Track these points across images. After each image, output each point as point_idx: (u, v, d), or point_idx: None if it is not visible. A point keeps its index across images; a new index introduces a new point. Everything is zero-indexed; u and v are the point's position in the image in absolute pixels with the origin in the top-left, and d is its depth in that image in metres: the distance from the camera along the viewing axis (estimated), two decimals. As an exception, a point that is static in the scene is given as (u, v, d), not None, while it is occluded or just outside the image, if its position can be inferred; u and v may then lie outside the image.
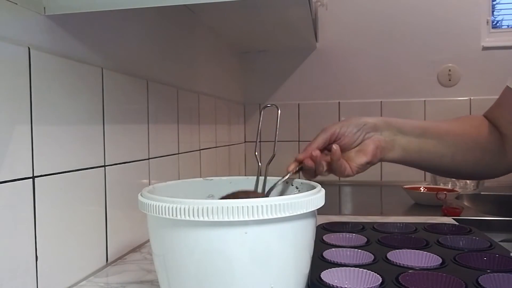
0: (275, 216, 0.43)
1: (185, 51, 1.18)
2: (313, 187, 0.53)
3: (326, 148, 0.68)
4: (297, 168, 0.66)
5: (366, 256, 0.66)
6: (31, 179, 0.57)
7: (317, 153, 0.64)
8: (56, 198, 0.62)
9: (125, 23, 0.84)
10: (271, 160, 0.68)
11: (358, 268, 0.59)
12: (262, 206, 0.43)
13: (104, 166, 0.74)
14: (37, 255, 0.58)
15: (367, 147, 0.68)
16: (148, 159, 0.91)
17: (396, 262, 0.64)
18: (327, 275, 0.58)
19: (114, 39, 0.80)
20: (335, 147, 0.64)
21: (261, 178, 0.63)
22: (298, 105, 1.96)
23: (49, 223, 0.60)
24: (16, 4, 0.56)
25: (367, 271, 0.58)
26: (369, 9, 1.90)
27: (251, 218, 0.43)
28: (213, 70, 1.48)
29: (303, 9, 1.25)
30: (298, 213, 0.45)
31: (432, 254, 0.66)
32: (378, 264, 0.63)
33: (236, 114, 1.82)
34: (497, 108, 0.78)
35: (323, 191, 0.51)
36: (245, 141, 1.97)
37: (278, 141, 0.71)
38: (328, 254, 0.67)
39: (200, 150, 1.26)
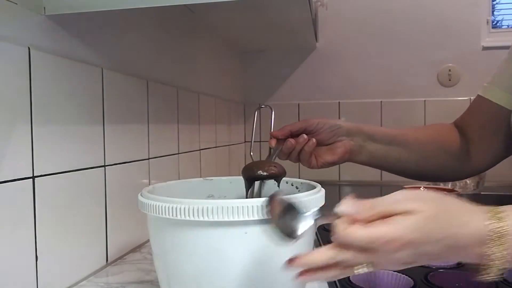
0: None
1: (185, 51, 1.18)
2: (313, 187, 0.53)
3: (297, 135, 0.73)
4: (280, 148, 0.71)
5: None
6: (31, 179, 0.57)
7: (304, 138, 0.71)
8: (56, 198, 0.62)
9: (125, 23, 0.84)
10: (267, 159, 0.68)
11: (384, 271, 0.59)
12: (262, 206, 0.43)
13: (104, 166, 0.74)
14: (37, 255, 0.58)
15: (337, 149, 0.74)
16: (148, 159, 0.91)
17: None
18: (356, 278, 0.58)
19: (114, 39, 0.80)
20: (314, 140, 0.71)
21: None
22: (298, 105, 1.96)
23: (49, 223, 0.60)
24: (16, 4, 0.56)
25: (393, 272, 0.58)
26: (369, 9, 1.90)
27: (251, 218, 0.43)
28: (213, 70, 1.47)
29: (303, 9, 1.25)
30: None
31: None
32: None
33: (236, 114, 1.82)
34: (467, 115, 0.84)
35: (323, 191, 0.51)
36: (245, 141, 1.97)
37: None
38: None
39: (200, 150, 1.26)
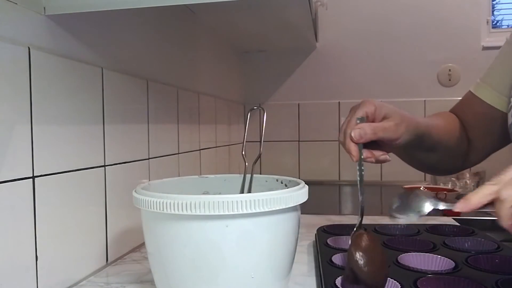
0: (253, 211, 0.46)
1: (185, 51, 1.18)
2: (299, 184, 0.55)
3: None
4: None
5: None
6: (31, 179, 0.57)
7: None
8: (56, 198, 0.62)
9: (125, 23, 0.84)
10: (257, 159, 0.69)
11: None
12: (241, 201, 0.46)
13: (104, 166, 0.74)
14: (37, 255, 0.58)
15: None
16: (148, 159, 0.91)
17: (409, 267, 0.63)
18: (342, 283, 0.56)
19: (114, 39, 0.80)
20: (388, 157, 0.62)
21: (248, 176, 0.67)
22: (298, 105, 1.96)
23: (49, 223, 0.60)
24: (16, 4, 0.56)
25: None
26: (369, 9, 1.90)
27: (231, 212, 0.46)
28: (213, 70, 1.47)
29: (303, 9, 1.25)
30: (277, 208, 0.48)
31: (443, 257, 0.65)
32: (391, 269, 0.62)
33: (236, 114, 1.82)
34: (460, 112, 0.81)
35: (306, 187, 0.53)
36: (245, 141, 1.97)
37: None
38: (337, 259, 0.66)
39: (200, 150, 1.26)
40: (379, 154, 0.61)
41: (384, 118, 0.61)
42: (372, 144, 0.60)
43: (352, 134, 0.58)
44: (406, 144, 0.64)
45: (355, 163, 0.58)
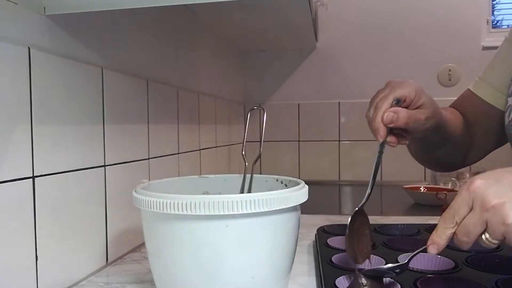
0: (253, 211, 0.46)
1: (185, 51, 1.18)
2: (299, 184, 0.55)
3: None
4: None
5: (377, 261, 0.65)
6: (31, 179, 0.57)
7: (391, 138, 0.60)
8: (56, 198, 0.62)
9: (125, 23, 0.84)
10: (257, 159, 0.69)
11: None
12: (241, 201, 0.46)
13: (104, 166, 0.74)
14: (37, 255, 0.58)
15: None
16: (148, 159, 0.91)
17: (409, 267, 0.63)
18: (342, 283, 0.57)
19: (114, 39, 0.80)
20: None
21: (248, 176, 0.67)
22: (298, 105, 1.96)
23: (49, 223, 0.60)
24: (16, 4, 0.56)
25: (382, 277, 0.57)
26: (369, 9, 1.90)
27: (231, 212, 0.46)
28: (213, 70, 1.48)
29: (303, 9, 1.25)
30: (277, 208, 0.48)
31: (443, 257, 0.65)
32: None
33: (236, 114, 1.82)
34: (460, 109, 0.81)
35: (306, 187, 0.53)
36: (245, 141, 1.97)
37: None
38: (337, 259, 0.67)
39: (200, 150, 1.26)
40: (401, 140, 0.61)
41: (419, 107, 0.60)
42: None
43: (385, 116, 0.57)
44: (425, 136, 0.64)
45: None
